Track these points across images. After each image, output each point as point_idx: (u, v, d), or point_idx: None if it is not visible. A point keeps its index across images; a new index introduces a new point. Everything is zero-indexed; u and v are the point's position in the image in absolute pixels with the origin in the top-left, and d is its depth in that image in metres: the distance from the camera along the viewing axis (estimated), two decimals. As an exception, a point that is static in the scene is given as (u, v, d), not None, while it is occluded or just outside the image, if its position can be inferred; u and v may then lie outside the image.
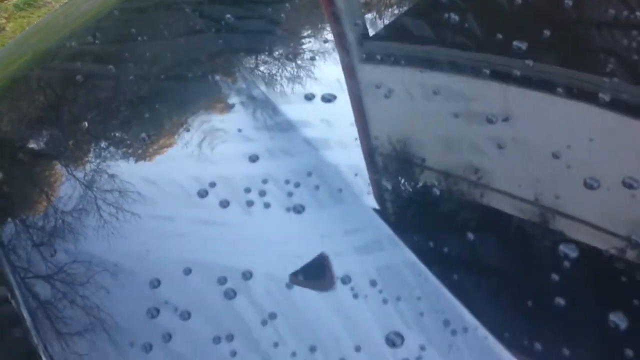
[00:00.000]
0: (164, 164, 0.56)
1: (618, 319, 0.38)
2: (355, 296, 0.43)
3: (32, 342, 0.45)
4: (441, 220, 0.47)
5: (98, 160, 0.58)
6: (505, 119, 0.50)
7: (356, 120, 0.55)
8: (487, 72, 0.55)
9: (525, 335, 0.39)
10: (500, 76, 0.55)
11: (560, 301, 0.39)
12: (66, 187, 0.56)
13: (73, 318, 0.46)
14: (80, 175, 0.56)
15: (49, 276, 0.49)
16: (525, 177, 0.47)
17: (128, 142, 0.59)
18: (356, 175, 0.50)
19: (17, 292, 0.48)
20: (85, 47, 0.75)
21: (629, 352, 0.37)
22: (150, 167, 0.56)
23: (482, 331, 0.39)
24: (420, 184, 0.49)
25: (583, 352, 0.38)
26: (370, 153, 0.53)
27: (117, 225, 0.50)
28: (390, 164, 0.52)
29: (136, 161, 0.57)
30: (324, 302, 0.44)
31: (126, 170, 0.56)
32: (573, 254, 0.41)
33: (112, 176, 0.55)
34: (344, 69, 0.61)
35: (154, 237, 0.49)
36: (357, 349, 0.41)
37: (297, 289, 0.44)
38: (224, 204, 0.50)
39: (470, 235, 0.44)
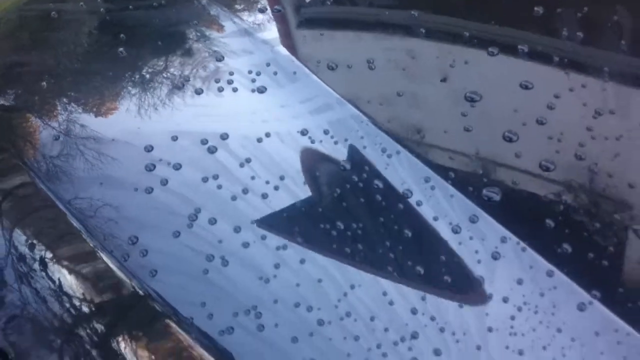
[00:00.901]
0: (146, 63, 0.66)
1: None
2: (312, 142, 0.56)
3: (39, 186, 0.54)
4: (375, 84, 0.61)
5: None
6: (444, 79, 0.62)
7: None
8: (424, 31, 0.67)
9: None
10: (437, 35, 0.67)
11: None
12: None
13: (83, 169, 0.55)
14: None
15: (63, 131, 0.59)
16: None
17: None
18: (307, 61, 0.63)
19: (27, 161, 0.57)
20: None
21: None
22: (133, 66, 0.66)
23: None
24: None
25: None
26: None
27: (113, 106, 0.61)
28: (332, 56, 0.64)
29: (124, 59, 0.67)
30: (288, 147, 0.56)
31: (115, 65, 0.66)
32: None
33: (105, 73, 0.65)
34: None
35: (144, 114, 0.59)
36: (316, 178, 0.53)
37: (265, 140, 0.56)
38: (199, 91, 0.61)
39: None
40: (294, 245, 0.49)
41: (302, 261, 0.48)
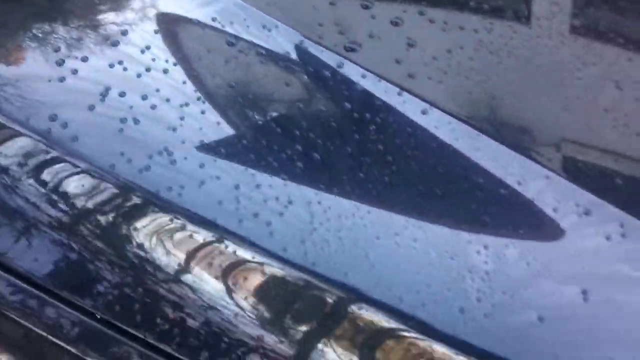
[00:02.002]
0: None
1: None
2: (203, 28, 0.65)
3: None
4: None
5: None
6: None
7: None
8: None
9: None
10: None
11: None
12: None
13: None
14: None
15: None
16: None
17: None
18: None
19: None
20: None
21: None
22: None
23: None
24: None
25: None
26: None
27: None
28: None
29: None
30: (182, 33, 0.65)
31: None
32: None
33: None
34: None
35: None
36: (206, 53, 0.63)
37: (161, 31, 0.65)
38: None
39: None
40: (194, 100, 0.58)
41: (203, 112, 0.58)
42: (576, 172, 0.53)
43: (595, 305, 0.45)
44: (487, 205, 0.51)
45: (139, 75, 0.61)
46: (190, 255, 0.51)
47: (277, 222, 0.51)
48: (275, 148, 0.55)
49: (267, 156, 0.54)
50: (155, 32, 0.65)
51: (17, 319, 0.57)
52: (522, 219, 0.50)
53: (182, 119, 0.57)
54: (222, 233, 0.50)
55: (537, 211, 0.50)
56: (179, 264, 0.51)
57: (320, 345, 0.47)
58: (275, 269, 0.49)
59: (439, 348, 0.44)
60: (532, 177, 0.51)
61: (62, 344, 0.55)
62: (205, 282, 0.51)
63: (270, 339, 0.48)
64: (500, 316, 0.45)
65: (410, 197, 0.51)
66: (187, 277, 0.51)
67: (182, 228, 0.52)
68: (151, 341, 0.52)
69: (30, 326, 0.56)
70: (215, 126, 0.57)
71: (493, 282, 0.46)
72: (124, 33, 0.65)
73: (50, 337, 0.56)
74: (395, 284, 0.47)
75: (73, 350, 0.55)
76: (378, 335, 0.46)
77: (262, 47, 0.63)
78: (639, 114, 0.58)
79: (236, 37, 0.64)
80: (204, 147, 0.55)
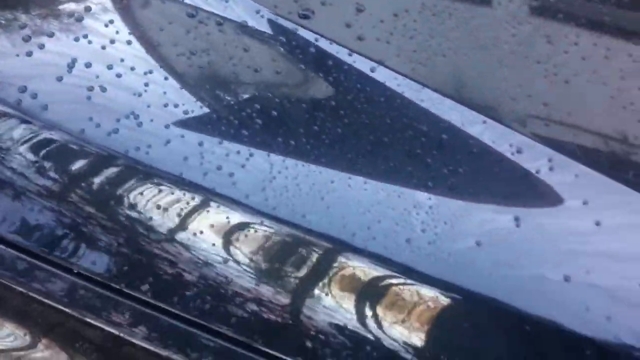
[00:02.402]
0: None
1: None
2: (163, 2, 0.68)
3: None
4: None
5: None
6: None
7: None
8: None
9: None
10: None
11: None
12: None
13: None
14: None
15: None
16: None
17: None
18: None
19: None
20: None
21: None
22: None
23: None
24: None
25: None
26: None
27: None
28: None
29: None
30: (144, 10, 0.68)
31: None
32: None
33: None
34: None
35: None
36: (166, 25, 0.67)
37: (125, 8, 0.68)
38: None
39: None
40: (157, 67, 0.62)
41: (166, 78, 0.61)
42: (511, 117, 0.59)
43: (526, 230, 0.50)
44: (430, 148, 0.55)
45: (103, 47, 0.64)
46: (160, 207, 0.55)
47: (240, 173, 0.55)
48: (235, 107, 0.59)
49: (228, 115, 0.58)
50: (118, 6, 0.68)
51: (14, 286, 0.60)
52: (463, 158, 0.55)
53: (146, 85, 0.61)
54: (188, 186, 0.54)
55: (475, 150, 0.55)
56: (152, 218, 0.55)
57: (282, 281, 0.51)
58: (238, 215, 0.53)
59: (388, 273, 0.49)
60: (471, 123, 0.57)
61: (61, 307, 0.59)
62: (175, 233, 0.55)
63: (234, 278, 0.52)
64: (442, 243, 0.50)
65: (360, 144, 0.56)
66: (160, 233, 0.55)
67: (153, 184, 0.56)
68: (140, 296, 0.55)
69: (36, 296, 0.59)
70: (178, 90, 0.61)
71: (436, 215, 0.51)
72: (88, 9, 0.68)
73: (49, 301, 0.59)
74: (348, 222, 0.51)
75: (73, 313, 0.58)
76: (334, 268, 0.51)
77: (220, 16, 0.67)
78: (568, 65, 0.64)
79: (196, 9, 0.68)
80: (168, 110, 0.59)
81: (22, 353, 0.65)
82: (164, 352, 0.55)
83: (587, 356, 0.45)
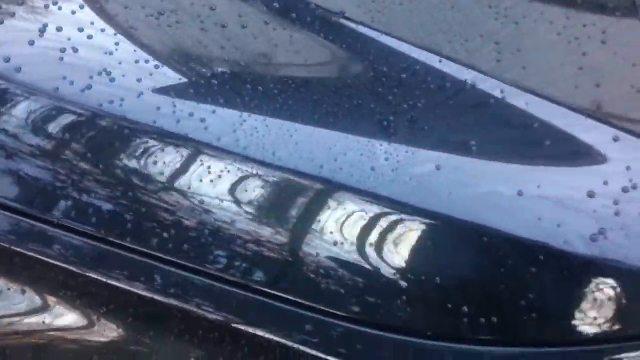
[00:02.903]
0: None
1: None
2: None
3: None
4: None
5: None
6: None
7: None
8: None
9: None
10: None
11: None
12: None
13: None
14: None
15: None
16: None
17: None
18: None
19: None
20: None
21: None
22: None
23: None
24: None
25: None
26: None
27: None
28: None
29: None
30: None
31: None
32: None
33: None
34: None
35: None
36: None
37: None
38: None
39: None
40: (127, 28, 0.64)
41: (137, 37, 0.64)
42: (464, 55, 0.63)
43: (481, 153, 0.54)
44: (391, 87, 0.59)
45: (73, 12, 0.66)
46: (135, 155, 0.57)
47: (211, 118, 0.57)
48: (202, 58, 0.62)
49: (196, 65, 0.61)
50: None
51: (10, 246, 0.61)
52: (423, 94, 0.58)
53: (117, 44, 0.63)
54: (162, 133, 0.57)
55: (433, 87, 0.58)
56: (127, 167, 0.57)
57: (255, 218, 0.54)
58: (211, 157, 0.56)
59: (355, 199, 0.53)
60: (430, 61, 0.60)
61: (58, 263, 0.60)
62: (152, 180, 0.57)
63: (209, 220, 0.55)
64: (404, 169, 0.53)
65: (324, 83, 0.59)
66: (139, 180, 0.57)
67: (127, 134, 0.58)
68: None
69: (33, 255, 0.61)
70: (150, 46, 0.63)
71: (398, 145, 0.54)
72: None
73: (46, 259, 0.61)
74: (316, 156, 0.54)
75: (71, 268, 0.60)
76: (304, 200, 0.54)
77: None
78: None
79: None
80: (140, 65, 0.61)
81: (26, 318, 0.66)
82: (166, 300, 0.57)
83: (540, 261, 0.49)
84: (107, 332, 0.60)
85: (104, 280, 0.58)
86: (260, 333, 0.54)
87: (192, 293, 0.56)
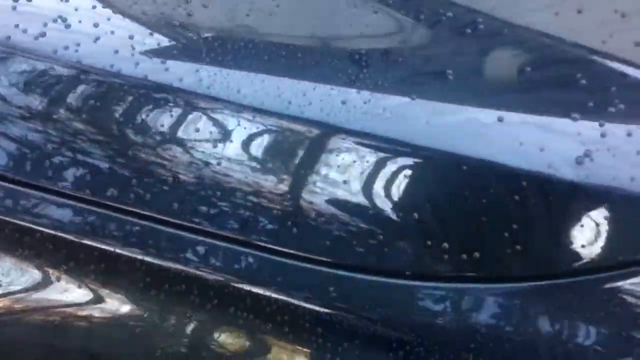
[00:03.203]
0: None
1: None
2: None
3: None
4: None
5: None
6: None
7: None
8: None
9: None
10: None
11: None
12: None
13: None
14: None
15: None
16: None
17: None
18: None
19: None
20: None
21: None
22: None
23: None
24: None
25: None
26: None
27: None
28: None
29: None
30: None
31: None
32: None
33: None
34: None
35: None
36: None
37: None
38: None
39: None
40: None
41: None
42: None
43: (458, 80, 0.51)
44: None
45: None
46: (93, 101, 0.54)
47: (172, 60, 0.54)
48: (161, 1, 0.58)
49: (155, 8, 0.58)
50: None
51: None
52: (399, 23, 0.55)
53: (95, 25, 0.59)
54: (120, 76, 0.54)
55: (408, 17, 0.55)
56: (85, 113, 0.54)
57: (222, 159, 0.51)
58: (174, 98, 0.53)
59: (326, 133, 0.49)
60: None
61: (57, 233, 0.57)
62: (112, 125, 0.54)
63: (171, 166, 0.52)
64: (377, 101, 0.50)
65: (292, 22, 0.56)
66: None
67: (84, 79, 0.55)
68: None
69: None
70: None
71: (370, 77, 0.51)
72: None
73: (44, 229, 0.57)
74: (283, 91, 0.51)
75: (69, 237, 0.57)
76: (272, 137, 0.51)
77: None
78: None
79: None
80: (96, 11, 0.58)
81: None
82: (163, 263, 0.54)
83: (523, 187, 0.46)
84: (108, 302, 0.57)
85: (99, 246, 0.55)
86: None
87: (189, 254, 0.53)
